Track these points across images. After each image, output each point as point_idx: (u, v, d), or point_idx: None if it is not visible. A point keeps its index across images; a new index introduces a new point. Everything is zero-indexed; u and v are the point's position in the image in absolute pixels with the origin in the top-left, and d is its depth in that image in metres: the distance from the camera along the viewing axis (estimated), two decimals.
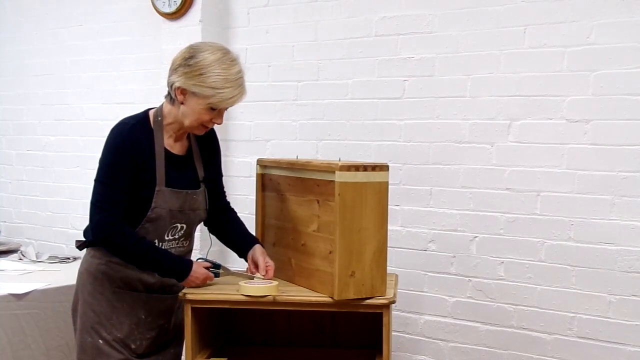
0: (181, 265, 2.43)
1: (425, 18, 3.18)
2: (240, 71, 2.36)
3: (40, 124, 4.53)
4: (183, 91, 2.34)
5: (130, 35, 4.06)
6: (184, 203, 2.47)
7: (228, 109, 2.45)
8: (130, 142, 2.36)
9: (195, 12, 3.65)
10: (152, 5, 3.82)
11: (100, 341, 2.44)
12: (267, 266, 2.50)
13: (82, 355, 2.48)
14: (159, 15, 3.76)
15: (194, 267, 2.44)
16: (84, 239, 2.54)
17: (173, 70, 2.37)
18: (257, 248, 2.57)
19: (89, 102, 4.27)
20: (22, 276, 3.63)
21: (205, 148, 2.58)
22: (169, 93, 2.42)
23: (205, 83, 2.30)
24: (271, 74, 3.64)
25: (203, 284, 2.46)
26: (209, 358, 2.52)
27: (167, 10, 3.73)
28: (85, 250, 2.56)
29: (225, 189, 2.74)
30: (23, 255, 4.17)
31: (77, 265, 4.00)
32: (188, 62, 2.32)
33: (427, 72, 3.18)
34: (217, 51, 2.35)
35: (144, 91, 4.00)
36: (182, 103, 2.36)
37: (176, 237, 2.51)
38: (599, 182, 2.80)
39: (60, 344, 3.40)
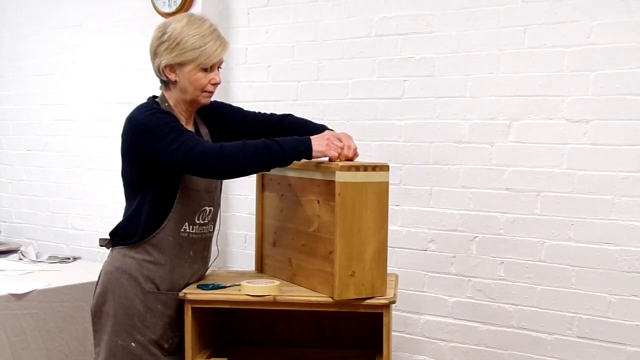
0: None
1: (425, 18, 3.17)
2: (211, 25, 2.41)
3: (40, 124, 4.52)
4: (171, 68, 2.37)
5: (130, 36, 4.06)
6: (210, 183, 2.47)
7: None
8: (159, 110, 2.36)
9: (195, 12, 3.65)
10: (152, 5, 3.82)
11: (133, 344, 2.38)
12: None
13: (111, 359, 2.40)
14: (159, 15, 3.76)
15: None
16: (108, 238, 2.47)
17: (153, 54, 2.41)
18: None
19: (89, 102, 4.27)
20: (22, 276, 3.63)
21: (214, 123, 2.56)
22: (161, 80, 2.43)
23: (186, 48, 2.33)
24: (271, 74, 3.64)
25: (344, 143, 2.33)
26: (209, 358, 2.52)
27: (167, 10, 3.73)
28: (111, 249, 2.46)
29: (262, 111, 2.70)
30: (23, 255, 4.17)
31: (77, 265, 4.06)
32: (162, 40, 2.37)
33: (427, 72, 3.18)
34: (183, 17, 2.41)
35: (144, 91, 3.98)
36: (175, 81, 2.38)
37: (205, 221, 2.48)
38: (599, 182, 2.80)
39: (60, 344, 3.40)
